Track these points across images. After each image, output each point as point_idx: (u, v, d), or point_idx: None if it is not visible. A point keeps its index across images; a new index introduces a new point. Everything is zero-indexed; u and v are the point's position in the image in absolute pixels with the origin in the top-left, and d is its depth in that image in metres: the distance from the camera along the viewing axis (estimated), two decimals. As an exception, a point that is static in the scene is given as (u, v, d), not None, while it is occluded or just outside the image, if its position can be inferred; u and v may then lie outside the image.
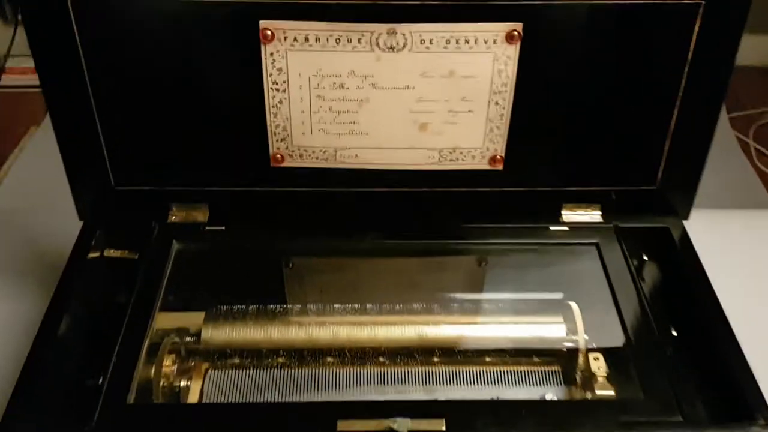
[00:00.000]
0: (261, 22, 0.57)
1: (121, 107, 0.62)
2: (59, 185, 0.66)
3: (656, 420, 0.52)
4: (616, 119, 0.64)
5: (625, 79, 0.61)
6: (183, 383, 0.62)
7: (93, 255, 0.66)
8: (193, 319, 0.65)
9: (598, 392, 0.58)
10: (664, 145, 0.65)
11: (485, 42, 0.58)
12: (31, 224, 0.84)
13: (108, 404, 0.53)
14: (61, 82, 0.61)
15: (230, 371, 0.63)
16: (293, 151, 0.64)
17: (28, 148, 1.38)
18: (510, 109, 0.62)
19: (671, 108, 0.62)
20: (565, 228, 0.67)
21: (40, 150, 1.24)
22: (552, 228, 0.67)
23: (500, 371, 0.63)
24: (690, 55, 0.60)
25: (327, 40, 0.58)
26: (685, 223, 0.68)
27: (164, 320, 0.63)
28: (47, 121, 0.64)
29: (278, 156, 0.64)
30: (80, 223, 0.67)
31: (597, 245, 0.66)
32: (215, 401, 0.61)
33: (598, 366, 0.60)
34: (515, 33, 0.58)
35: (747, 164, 1.24)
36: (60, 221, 0.69)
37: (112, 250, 0.67)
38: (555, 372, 0.63)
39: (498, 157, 0.64)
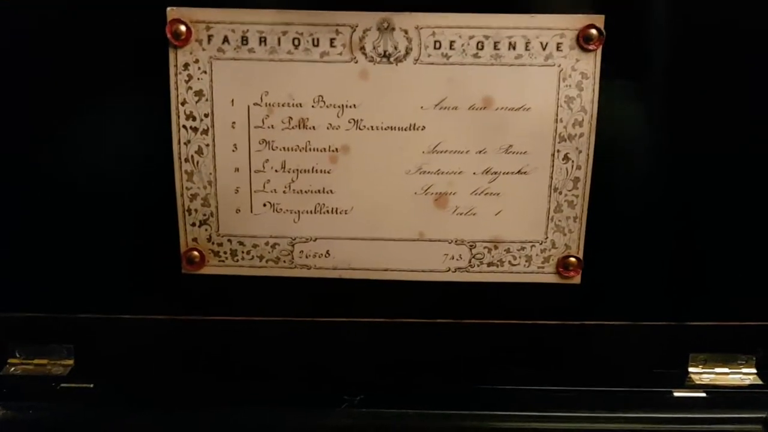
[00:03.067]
0: (169, 9, 0.35)
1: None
2: None
3: None
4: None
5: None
6: None
7: None
8: None
9: None
10: None
11: (544, 47, 0.35)
12: None
13: None
14: None
15: None
16: (220, 245, 0.38)
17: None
18: (590, 169, 0.37)
19: None
20: (701, 393, 0.40)
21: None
22: (676, 394, 0.40)
23: None
24: None
25: (278, 40, 0.36)
26: None
27: None
28: None
29: (193, 255, 0.38)
30: None
31: (765, 421, 0.36)
32: None
33: None
34: (593, 31, 0.35)
35: None
36: None
37: None
38: None
39: (572, 260, 0.38)
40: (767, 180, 0.39)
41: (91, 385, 0.41)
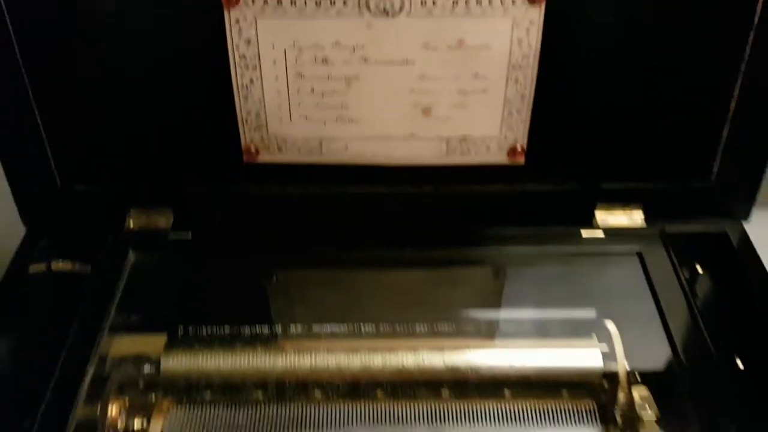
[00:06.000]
0: (223, -18, 0.47)
1: (64, 93, 0.52)
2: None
3: (724, 481, 0.40)
4: (663, 99, 0.52)
5: (675, 48, 0.50)
6: (138, 424, 0.51)
7: (37, 268, 0.55)
8: (152, 344, 0.54)
9: (646, 439, 0.47)
10: (722, 131, 0.54)
11: (502, 3, 0.47)
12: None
13: (36, 457, 0.43)
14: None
15: (197, 408, 0.53)
16: (270, 143, 0.53)
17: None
18: (533, 88, 0.51)
19: (732, 84, 0.51)
20: (600, 234, 0.56)
21: None
22: (584, 234, 0.56)
23: (521, 408, 0.52)
24: (757, 18, 0.48)
25: (305, 3, 0.47)
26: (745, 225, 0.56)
27: (116, 345, 0.52)
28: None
29: (252, 149, 0.53)
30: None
31: (639, 254, 0.54)
32: (178, 447, 0.50)
33: (645, 405, 0.48)
34: (539, -8, 0.47)
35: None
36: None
37: (60, 262, 0.57)
38: (589, 410, 0.52)
39: (518, 148, 0.53)
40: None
41: (189, 236, 0.59)
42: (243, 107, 0.52)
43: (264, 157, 0.54)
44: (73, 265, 0.57)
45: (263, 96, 0.51)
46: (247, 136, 0.53)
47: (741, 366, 0.48)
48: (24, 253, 0.56)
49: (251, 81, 0.50)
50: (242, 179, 0.55)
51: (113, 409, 0.49)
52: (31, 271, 0.55)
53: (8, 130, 0.54)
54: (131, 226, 0.57)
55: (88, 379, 0.48)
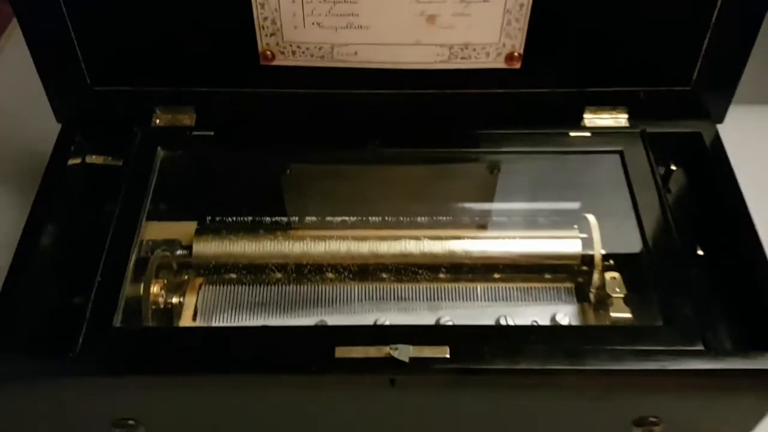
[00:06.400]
0: None
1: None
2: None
3: (675, 349, 0.48)
4: (649, 10, 0.56)
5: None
6: (175, 300, 0.59)
7: (73, 161, 0.61)
8: (183, 230, 0.61)
9: (614, 315, 0.55)
10: (702, 40, 0.58)
11: None
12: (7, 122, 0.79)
13: (93, 327, 0.50)
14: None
15: (225, 287, 0.60)
16: (285, 47, 0.57)
17: None
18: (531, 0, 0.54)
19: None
20: (587, 134, 0.61)
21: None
22: (572, 134, 0.61)
23: (509, 288, 0.60)
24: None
25: None
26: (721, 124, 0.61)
27: (152, 231, 0.59)
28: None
29: (268, 53, 0.57)
30: (59, 126, 0.62)
31: (621, 152, 0.60)
32: (210, 318, 0.58)
33: (615, 287, 0.56)
34: None
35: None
36: (36, 121, 0.63)
37: (93, 156, 0.62)
38: (568, 289, 0.59)
39: (515, 54, 0.57)
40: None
41: (212, 133, 0.63)
42: (260, 14, 0.55)
43: (279, 61, 0.58)
44: (105, 159, 0.62)
45: (279, 4, 0.55)
46: (264, 41, 0.57)
47: (701, 253, 0.55)
48: (61, 148, 0.61)
49: (268, -9, 0.54)
50: (259, 81, 0.59)
51: (154, 288, 0.56)
52: (68, 164, 0.61)
53: (41, 34, 0.57)
54: (158, 123, 0.62)
55: (132, 261, 0.54)
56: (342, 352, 0.48)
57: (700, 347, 0.49)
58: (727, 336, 0.51)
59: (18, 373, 0.49)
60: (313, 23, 0.56)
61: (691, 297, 0.51)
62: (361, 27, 0.56)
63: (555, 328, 0.55)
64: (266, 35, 0.56)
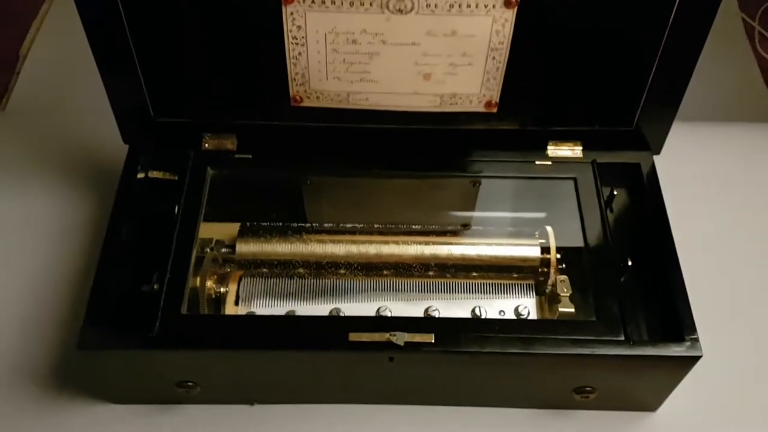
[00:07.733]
0: (282, -13, 0.63)
1: (159, 46, 0.69)
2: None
3: (604, 339, 0.65)
4: (601, 67, 0.70)
5: (609, 35, 0.67)
6: (222, 289, 0.75)
7: (140, 176, 0.76)
8: (228, 231, 0.76)
9: (561, 309, 0.71)
10: (643, 91, 0.72)
11: (485, 6, 0.64)
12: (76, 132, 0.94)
13: (166, 313, 0.66)
14: (99, 16, 0.66)
15: (260, 279, 0.76)
16: (311, 94, 0.72)
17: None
18: (505, 63, 0.69)
19: (654, 55, 0.68)
20: (549, 162, 0.76)
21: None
22: (537, 162, 0.76)
23: (483, 284, 0.75)
24: (675, 10, 0.65)
25: (342, 2, 0.64)
26: (671, 134, 0.75)
27: (204, 232, 0.74)
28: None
29: (297, 97, 0.72)
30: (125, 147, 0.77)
31: (575, 179, 0.75)
32: (249, 304, 0.74)
33: (564, 287, 0.72)
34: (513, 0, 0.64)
35: (748, 49, 1.23)
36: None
37: (155, 172, 0.78)
38: (529, 286, 0.75)
39: (493, 101, 0.72)
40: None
41: (250, 156, 0.79)
42: (293, 70, 0.70)
43: (306, 103, 0.72)
44: (164, 174, 0.78)
45: (308, 63, 0.69)
46: (294, 88, 0.72)
47: (630, 263, 0.71)
48: (129, 166, 0.76)
49: (299, 54, 0.68)
50: (289, 117, 0.73)
51: (209, 282, 0.72)
52: (137, 177, 0.76)
53: (114, 75, 0.72)
54: (206, 146, 0.77)
55: (193, 258, 0.70)
56: (354, 336, 0.64)
57: (622, 338, 0.65)
58: (645, 329, 0.68)
59: (109, 344, 0.65)
60: (334, 77, 0.70)
61: (619, 298, 0.67)
62: (371, 80, 0.71)
63: (514, 321, 0.71)
64: (297, 84, 0.71)
